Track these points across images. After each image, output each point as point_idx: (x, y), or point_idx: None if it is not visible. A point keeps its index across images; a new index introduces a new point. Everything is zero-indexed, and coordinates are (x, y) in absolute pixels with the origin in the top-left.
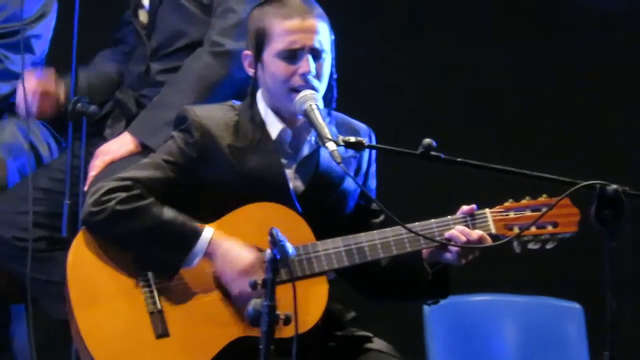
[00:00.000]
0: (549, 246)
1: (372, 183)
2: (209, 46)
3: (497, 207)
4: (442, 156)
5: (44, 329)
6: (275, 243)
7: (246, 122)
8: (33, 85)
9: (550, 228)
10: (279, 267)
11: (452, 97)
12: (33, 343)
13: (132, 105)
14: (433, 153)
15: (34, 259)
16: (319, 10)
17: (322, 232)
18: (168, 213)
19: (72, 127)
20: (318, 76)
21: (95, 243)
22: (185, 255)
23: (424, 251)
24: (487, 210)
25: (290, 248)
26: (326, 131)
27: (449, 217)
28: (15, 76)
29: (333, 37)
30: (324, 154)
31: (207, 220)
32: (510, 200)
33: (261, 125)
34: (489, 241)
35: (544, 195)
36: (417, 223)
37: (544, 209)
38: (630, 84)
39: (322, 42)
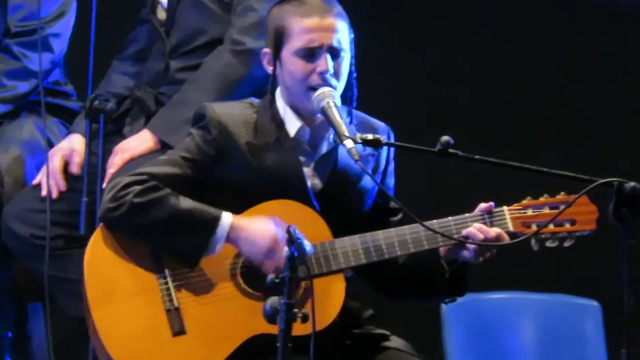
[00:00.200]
0: (567, 244)
1: (391, 181)
2: (230, 44)
3: (515, 204)
4: (460, 153)
5: (61, 326)
6: (292, 241)
7: (265, 120)
8: (57, 166)
9: (568, 226)
10: (296, 265)
11: (471, 95)
12: (51, 341)
13: (150, 103)
14: (451, 150)
15: (51, 256)
16: (338, 8)
17: (339, 230)
18: (186, 202)
19: (89, 125)
20: (336, 75)
21: (112, 240)
22: (207, 241)
23: (442, 249)
24: (504, 207)
25: (307, 246)
26: (344, 129)
27: (466, 214)
28: (34, 74)
29: (353, 36)
30: (342, 151)
31: None
32: (528, 197)
33: (280, 123)
34: (506, 239)
35: (562, 193)
36: (434, 221)
37: (562, 207)
38: None
39: (341, 41)
